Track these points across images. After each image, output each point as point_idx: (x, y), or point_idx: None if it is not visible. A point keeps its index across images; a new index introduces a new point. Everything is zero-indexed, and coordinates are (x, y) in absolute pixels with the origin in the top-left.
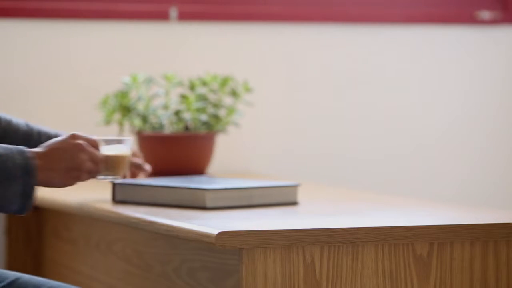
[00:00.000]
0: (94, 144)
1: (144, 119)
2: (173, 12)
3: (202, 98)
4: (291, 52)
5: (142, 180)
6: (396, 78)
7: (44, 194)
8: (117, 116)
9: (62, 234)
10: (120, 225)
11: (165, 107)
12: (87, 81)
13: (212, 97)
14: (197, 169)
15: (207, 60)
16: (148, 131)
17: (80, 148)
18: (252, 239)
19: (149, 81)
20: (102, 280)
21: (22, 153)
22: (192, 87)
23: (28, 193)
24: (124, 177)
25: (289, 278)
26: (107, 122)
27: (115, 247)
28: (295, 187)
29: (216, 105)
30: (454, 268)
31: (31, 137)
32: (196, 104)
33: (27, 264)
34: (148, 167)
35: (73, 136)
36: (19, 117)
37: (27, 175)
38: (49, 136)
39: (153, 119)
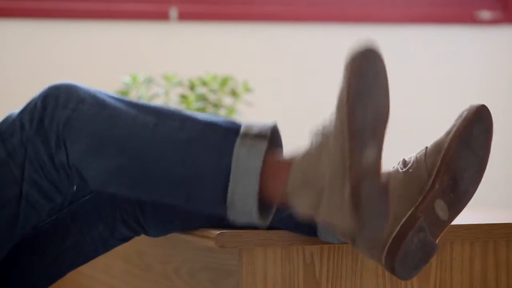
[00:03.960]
0: None
1: None
2: (173, 12)
3: (202, 98)
4: (291, 52)
5: None
6: (395, 78)
7: None
8: None
9: None
10: None
11: None
12: (87, 81)
13: (212, 97)
14: None
15: (207, 60)
16: None
17: None
18: (252, 239)
19: (149, 81)
20: (102, 280)
21: None
22: (192, 87)
23: None
24: None
25: (289, 278)
26: None
27: None
28: None
29: (216, 105)
30: (454, 268)
31: None
32: (196, 104)
33: None
34: None
35: None
36: None
37: None
38: None
39: None
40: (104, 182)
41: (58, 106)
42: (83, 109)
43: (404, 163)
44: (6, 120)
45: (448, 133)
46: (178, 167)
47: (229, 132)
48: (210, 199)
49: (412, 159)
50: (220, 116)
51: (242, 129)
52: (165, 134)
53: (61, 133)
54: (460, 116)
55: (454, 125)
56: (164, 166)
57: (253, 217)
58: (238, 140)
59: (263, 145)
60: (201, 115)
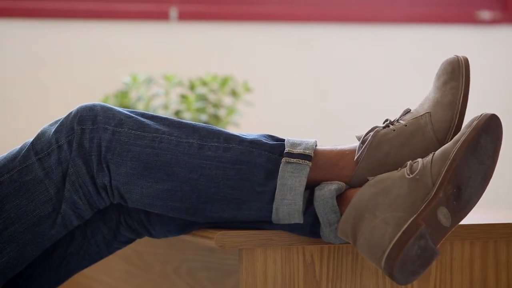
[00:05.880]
0: None
1: None
2: (173, 12)
3: (202, 98)
4: (291, 52)
5: None
6: (396, 78)
7: None
8: None
9: None
10: None
11: (165, 107)
12: (87, 81)
13: (212, 97)
14: None
15: (207, 60)
16: None
17: None
18: (252, 239)
19: (149, 81)
20: (102, 280)
21: None
22: (192, 87)
23: None
24: None
25: (289, 278)
26: None
27: None
28: None
29: (216, 105)
30: (454, 268)
31: None
32: (196, 104)
33: None
34: None
35: None
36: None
37: None
38: None
39: None
40: (148, 204)
41: (97, 128)
42: (123, 131)
43: (411, 168)
44: (39, 138)
45: (455, 142)
46: (226, 189)
47: (274, 151)
48: (257, 217)
49: (419, 165)
50: (262, 134)
51: (286, 148)
52: (211, 156)
53: (104, 156)
54: (470, 125)
55: (462, 134)
56: (212, 189)
57: (297, 222)
58: (283, 160)
59: (307, 166)
60: (242, 134)
